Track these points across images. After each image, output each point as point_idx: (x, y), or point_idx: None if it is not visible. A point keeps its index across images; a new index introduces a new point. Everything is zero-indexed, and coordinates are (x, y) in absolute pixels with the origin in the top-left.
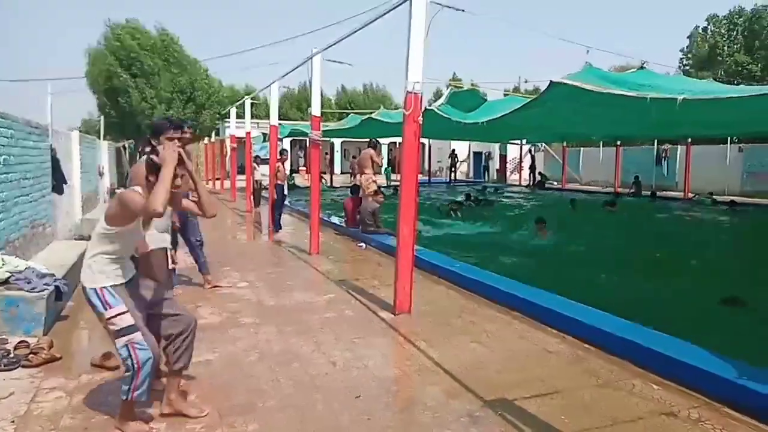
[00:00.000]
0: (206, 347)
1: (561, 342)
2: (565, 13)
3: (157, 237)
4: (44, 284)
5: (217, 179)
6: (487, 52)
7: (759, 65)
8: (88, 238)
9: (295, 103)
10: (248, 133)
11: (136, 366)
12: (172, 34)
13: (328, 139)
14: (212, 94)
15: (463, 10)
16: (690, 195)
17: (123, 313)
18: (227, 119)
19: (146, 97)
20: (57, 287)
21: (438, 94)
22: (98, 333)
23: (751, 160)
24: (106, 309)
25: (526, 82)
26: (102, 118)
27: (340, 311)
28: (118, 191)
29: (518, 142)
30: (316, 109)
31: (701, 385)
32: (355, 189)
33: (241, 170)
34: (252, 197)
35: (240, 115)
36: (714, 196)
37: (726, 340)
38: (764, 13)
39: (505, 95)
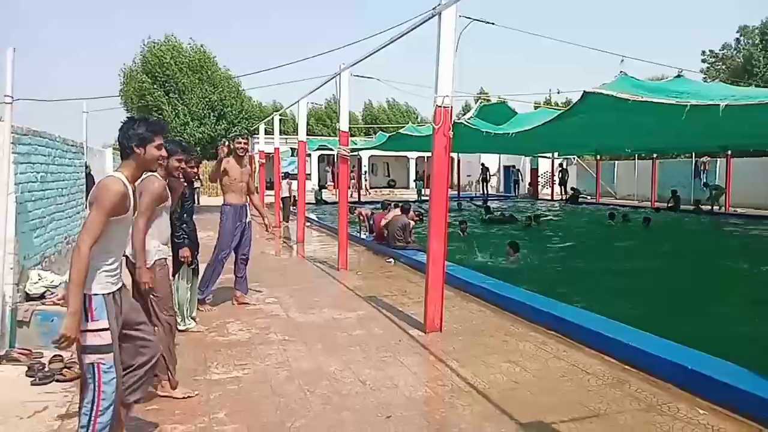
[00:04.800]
0: (235, 364)
1: (600, 363)
2: (586, 26)
3: (157, 247)
4: None
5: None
6: (515, 66)
7: None
8: None
9: (321, 120)
10: (277, 149)
11: (97, 389)
12: (208, 52)
13: (356, 153)
14: (242, 111)
15: (493, 23)
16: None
17: (104, 330)
18: (256, 135)
19: (179, 114)
20: None
21: (466, 109)
22: None
23: None
24: (89, 320)
25: (558, 93)
26: None
27: (369, 328)
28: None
29: (549, 155)
30: (344, 125)
31: (750, 410)
32: (385, 204)
33: (269, 186)
34: (281, 212)
35: (268, 131)
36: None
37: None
38: None
39: (535, 108)
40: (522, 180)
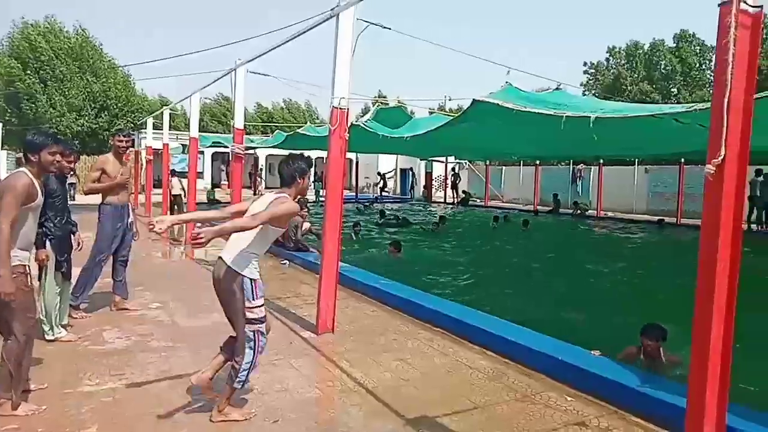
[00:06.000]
0: (111, 374)
1: (482, 357)
2: (488, 35)
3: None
4: None
5: (131, 193)
6: (413, 70)
7: (660, 94)
8: None
9: (216, 116)
10: (166, 145)
11: (258, 350)
12: (92, 37)
13: (252, 152)
14: (127, 104)
15: (389, 28)
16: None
17: (262, 305)
18: (144, 129)
19: (55, 104)
20: None
21: (366, 111)
22: None
23: (655, 181)
24: (254, 299)
25: (450, 99)
26: (0, 125)
27: None
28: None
29: (443, 159)
30: (239, 122)
31: (609, 395)
32: None
33: (157, 183)
34: (169, 212)
35: (158, 126)
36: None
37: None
38: (661, 46)
39: (430, 113)
40: (417, 183)
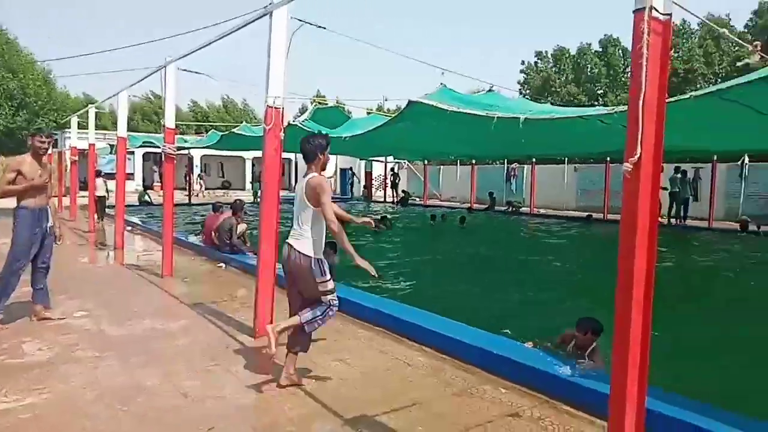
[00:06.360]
0: (31, 389)
1: (421, 354)
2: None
3: None
4: None
5: (54, 196)
6: (352, 71)
7: (587, 96)
8: None
9: (147, 116)
10: (92, 145)
11: (330, 312)
12: (6, 31)
13: (186, 152)
14: (49, 101)
15: (324, 28)
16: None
17: (330, 279)
18: (67, 129)
19: None
20: None
21: (304, 110)
22: None
23: (583, 179)
24: (324, 275)
25: (386, 100)
26: None
27: (194, 337)
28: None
29: (383, 159)
30: (170, 121)
31: (542, 386)
32: (217, 206)
33: (83, 185)
34: (96, 214)
35: (83, 125)
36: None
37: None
38: (588, 50)
39: (368, 113)
40: (359, 182)
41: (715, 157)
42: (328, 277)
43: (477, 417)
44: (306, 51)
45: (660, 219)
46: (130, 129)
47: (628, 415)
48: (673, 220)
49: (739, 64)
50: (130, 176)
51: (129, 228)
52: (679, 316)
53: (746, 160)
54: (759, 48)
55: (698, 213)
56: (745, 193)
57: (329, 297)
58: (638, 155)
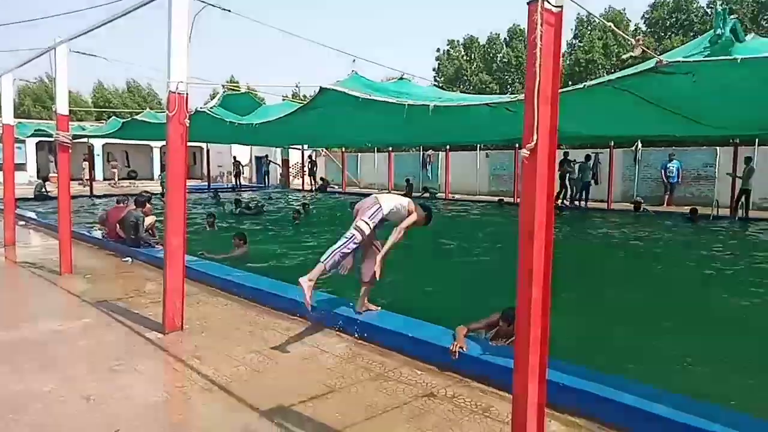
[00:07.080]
0: None
1: (339, 342)
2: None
3: None
4: None
5: None
6: (266, 57)
7: (498, 84)
8: None
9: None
10: None
11: (350, 245)
12: None
13: (86, 140)
14: None
15: (229, 11)
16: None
17: (368, 224)
18: None
19: None
20: None
21: (215, 96)
22: None
23: (495, 164)
24: (370, 218)
25: (298, 87)
26: None
27: (97, 337)
28: None
29: (300, 147)
30: (62, 107)
31: (456, 366)
32: (122, 198)
33: None
34: None
35: None
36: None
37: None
38: (497, 40)
39: (283, 100)
40: (276, 169)
41: (612, 143)
42: (368, 220)
43: (394, 398)
44: (220, 35)
45: (563, 202)
46: (19, 115)
47: (531, 386)
48: (576, 203)
49: (623, 56)
50: (21, 167)
51: (22, 223)
52: (578, 287)
53: (639, 145)
54: (641, 42)
55: (599, 195)
56: (638, 176)
57: (353, 231)
58: (534, 142)
